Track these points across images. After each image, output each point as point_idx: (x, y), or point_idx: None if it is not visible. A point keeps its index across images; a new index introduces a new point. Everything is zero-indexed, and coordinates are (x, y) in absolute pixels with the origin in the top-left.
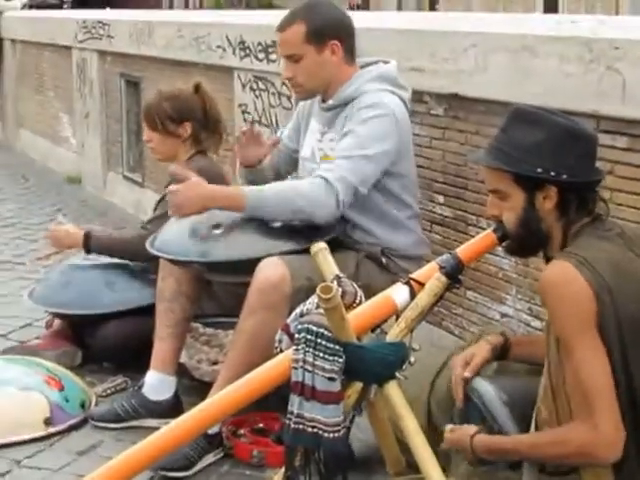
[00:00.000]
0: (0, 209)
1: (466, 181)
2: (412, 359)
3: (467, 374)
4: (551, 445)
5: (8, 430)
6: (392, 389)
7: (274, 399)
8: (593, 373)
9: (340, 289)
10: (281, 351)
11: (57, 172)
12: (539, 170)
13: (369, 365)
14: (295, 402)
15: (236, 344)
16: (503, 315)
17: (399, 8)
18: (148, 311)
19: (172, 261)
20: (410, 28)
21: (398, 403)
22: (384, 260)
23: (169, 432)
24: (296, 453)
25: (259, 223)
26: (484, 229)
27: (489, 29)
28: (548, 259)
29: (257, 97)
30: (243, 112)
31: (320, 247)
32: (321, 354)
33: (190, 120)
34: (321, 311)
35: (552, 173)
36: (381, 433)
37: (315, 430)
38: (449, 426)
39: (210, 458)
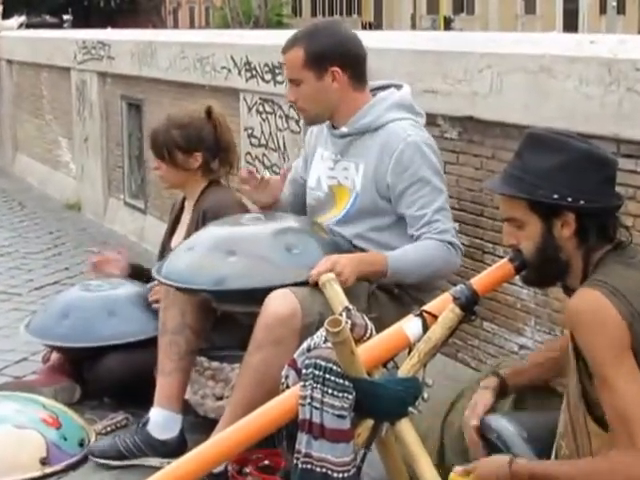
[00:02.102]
0: None
1: (482, 207)
2: (425, 395)
3: (473, 422)
4: (599, 474)
5: (2, 470)
6: (404, 426)
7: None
8: (635, 402)
9: (349, 322)
10: (288, 387)
11: (55, 198)
12: (555, 196)
13: (380, 401)
14: (303, 440)
15: (242, 380)
16: (521, 347)
17: (413, 27)
18: (150, 343)
19: (181, 289)
20: (422, 48)
21: (411, 441)
22: (396, 291)
23: (172, 472)
24: None
25: (274, 251)
26: (501, 257)
27: (505, 49)
28: (567, 289)
29: (264, 120)
30: (249, 136)
31: (329, 277)
32: (330, 390)
33: (200, 150)
34: (329, 345)
35: (569, 199)
36: (394, 471)
37: (324, 470)
38: (471, 465)
39: None
